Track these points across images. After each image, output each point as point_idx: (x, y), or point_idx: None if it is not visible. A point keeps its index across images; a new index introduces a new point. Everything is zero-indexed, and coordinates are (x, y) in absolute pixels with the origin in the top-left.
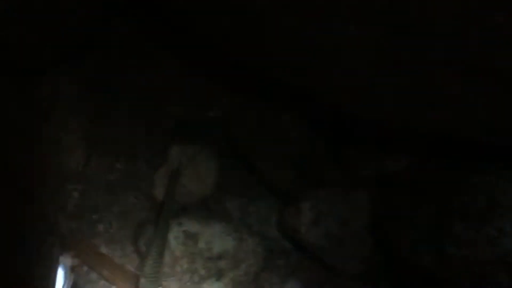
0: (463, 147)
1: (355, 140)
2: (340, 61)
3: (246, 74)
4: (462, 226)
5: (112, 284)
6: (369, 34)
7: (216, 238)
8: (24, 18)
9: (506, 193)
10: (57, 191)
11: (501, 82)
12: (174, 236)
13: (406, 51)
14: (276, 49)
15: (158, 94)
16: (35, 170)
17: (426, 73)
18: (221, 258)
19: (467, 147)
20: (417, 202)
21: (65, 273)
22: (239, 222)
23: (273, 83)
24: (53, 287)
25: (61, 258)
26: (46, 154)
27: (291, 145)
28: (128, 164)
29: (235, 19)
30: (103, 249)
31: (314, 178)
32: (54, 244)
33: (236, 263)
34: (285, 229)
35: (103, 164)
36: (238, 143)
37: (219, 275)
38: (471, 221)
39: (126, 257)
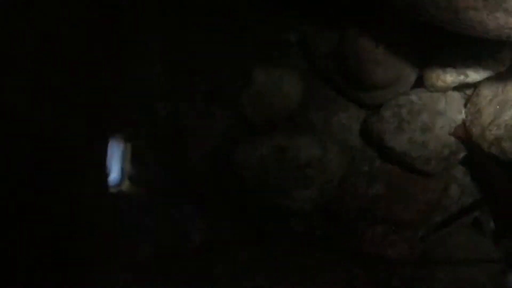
0: None
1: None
2: None
3: None
4: None
5: None
6: None
7: (302, 148)
8: None
9: None
10: None
11: None
12: (266, 149)
13: None
14: None
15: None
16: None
17: None
18: (307, 166)
19: None
20: None
21: None
22: (323, 133)
23: None
24: None
25: None
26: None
27: None
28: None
29: None
30: None
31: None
32: None
33: (322, 170)
34: (369, 137)
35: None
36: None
37: (306, 183)
38: None
39: None
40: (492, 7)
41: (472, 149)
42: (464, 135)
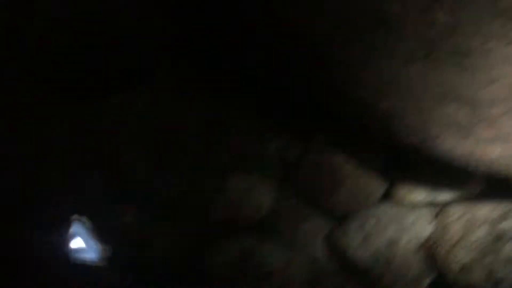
0: None
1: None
2: None
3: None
4: None
5: None
6: None
7: (268, 256)
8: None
9: None
10: None
11: None
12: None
13: None
14: None
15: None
16: None
17: None
18: (273, 275)
19: None
20: None
21: None
22: (290, 242)
23: None
24: None
25: None
26: None
27: None
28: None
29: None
30: None
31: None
32: None
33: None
34: (333, 249)
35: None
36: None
37: None
38: None
39: None
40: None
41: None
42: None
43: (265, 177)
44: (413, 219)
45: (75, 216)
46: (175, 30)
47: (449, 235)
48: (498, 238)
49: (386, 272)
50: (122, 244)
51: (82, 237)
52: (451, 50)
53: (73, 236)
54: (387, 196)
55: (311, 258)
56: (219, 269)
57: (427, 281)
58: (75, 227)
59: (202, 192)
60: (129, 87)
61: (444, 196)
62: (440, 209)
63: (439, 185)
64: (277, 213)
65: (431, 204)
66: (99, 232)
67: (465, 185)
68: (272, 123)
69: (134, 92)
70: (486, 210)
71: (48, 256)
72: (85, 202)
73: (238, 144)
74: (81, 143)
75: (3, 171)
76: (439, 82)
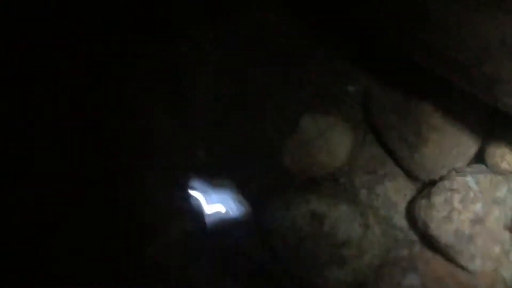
0: None
1: None
2: None
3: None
4: None
5: None
6: None
7: (342, 222)
8: None
9: None
10: None
11: None
12: (301, 215)
13: None
14: None
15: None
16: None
17: None
18: (345, 246)
19: None
20: None
21: None
22: (366, 205)
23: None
24: None
25: None
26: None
27: None
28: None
29: None
30: None
31: None
32: None
33: (360, 253)
34: (414, 221)
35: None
36: (375, 119)
37: (341, 263)
38: None
39: None
40: None
41: None
42: None
43: (343, 119)
44: (507, 190)
45: None
46: None
47: None
48: None
49: (468, 249)
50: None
51: None
52: None
53: None
54: (479, 159)
55: (389, 225)
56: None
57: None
58: None
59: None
60: None
61: None
62: None
63: None
64: (355, 164)
65: None
66: None
67: None
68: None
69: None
70: None
71: None
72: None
73: (316, 82)
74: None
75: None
76: None
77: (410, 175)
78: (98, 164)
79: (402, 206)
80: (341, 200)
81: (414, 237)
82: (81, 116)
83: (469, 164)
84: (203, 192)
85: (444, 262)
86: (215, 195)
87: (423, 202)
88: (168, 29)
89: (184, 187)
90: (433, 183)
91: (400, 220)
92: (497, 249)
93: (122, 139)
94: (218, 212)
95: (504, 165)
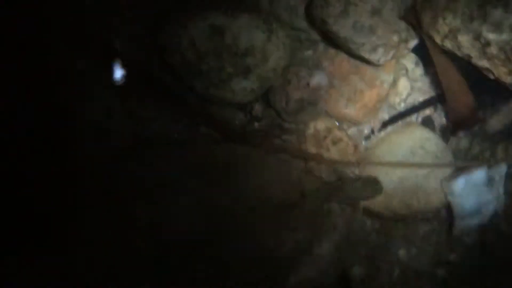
0: None
1: None
2: None
3: None
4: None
5: None
6: None
7: (244, 31)
8: None
9: None
10: None
11: None
12: (200, 32)
13: None
14: None
15: None
16: None
17: None
18: (249, 54)
19: None
20: None
21: None
22: (268, 12)
23: None
24: None
25: None
26: None
27: None
28: None
29: None
30: None
31: None
32: None
33: (265, 58)
34: (313, 20)
35: None
36: None
37: (246, 72)
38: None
39: None
40: None
41: (424, 37)
42: (415, 21)
43: None
44: None
45: None
46: None
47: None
48: None
49: (368, 41)
50: None
51: None
52: None
53: None
54: None
55: (292, 28)
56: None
57: (412, 43)
58: None
59: None
60: None
61: None
62: None
63: None
64: None
65: None
66: None
67: None
68: None
69: None
70: None
71: None
72: None
73: None
74: None
75: None
76: None
77: None
78: None
79: (302, 8)
80: (241, 10)
81: (316, 37)
82: None
83: None
84: None
85: (348, 58)
86: None
87: (319, 1)
88: None
89: None
90: None
91: (302, 23)
92: (395, 38)
93: None
94: None
95: None
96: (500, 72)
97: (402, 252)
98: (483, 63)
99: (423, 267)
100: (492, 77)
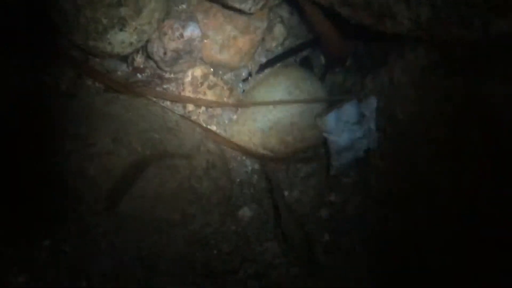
0: None
1: None
2: None
3: None
4: None
5: None
6: None
7: None
8: None
9: None
10: None
11: None
12: None
13: None
14: None
15: None
16: None
17: None
18: (122, 5)
19: None
20: None
21: None
22: None
23: None
24: None
25: None
26: None
27: None
28: None
29: None
30: None
31: None
32: None
33: (139, 10)
34: None
35: None
36: None
37: (122, 24)
38: None
39: None
40: None
41: None
42: None
43: None
44: None
45: None
46: None
47: None
48: None
49: None
50: None
51: None
52: None
53: None
54: None
55: None
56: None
57: None
58: None
59: None
60: None
61: None
62: None
63: None
64: None
65: None
66: None
67: None
68: None
69: None
70: None
71: None
72: None
73: None
74: None
75: None
76: None
77: None
78: None
79: None
80: None
81: None
82: None
83: None
84: None
85: (222, 9)
86: None
87: None
88: None
89: None
90: None
91: None
92: None
93: None
94: None
95: None
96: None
97: (285, 194)
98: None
99: (307, 209)
100: (353, 22)
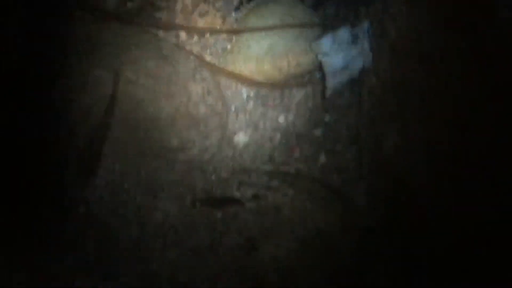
0: None
1: None
2: None
3: None
4: None
5: None
6: None
7: None
8: None
9: None
10: None
11: None
12: None
13: None
14: None
15: None
16: None
17: None
18: None
19: None
20: None
21: None
22: None
23: None
24: None
25: None
26: None
27: None
28: None
29: None
30: None
31: None
32: None
33: None
34: None
35: None
36: None
37: None
38: None
39: None
40: None
41: None
42: None
43: None
44: None
45: None
46: None
47: None
48: None
49: None
50: None
51: None
52: None
53: None
54: None
55: None
56: None
57: None
58: None
59: None
60: None
61: None
62: None
63: None
64: None
65: None
66: None
67: None
68: None
69: None
70: None
71: None
72: None
73: None
74: None
75: None
76: None
77: None
78: None
79: None
80: None
81: None
82: None
83: None
84: None
85: None
86: None
87: None
88: None
89: None
90: None
91: None
92: None
93: None
94: None
95: None
96: None
97: (281, 118)
98: None
99: (301, 130)
100: None
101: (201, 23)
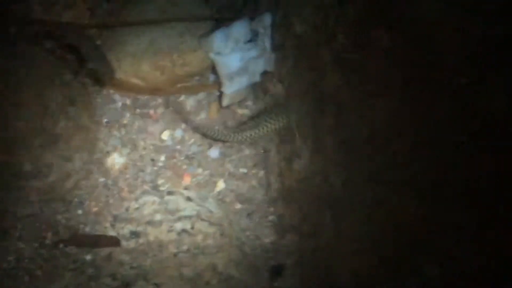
0: None
1: None
2: None
3: None
4: None
5: None
6: None
7: None
8: None
9: None
10: None
11: None
12: None
13: None
14: None
15: None
16: None
17: None
18: None
19: None
20: None
21: None
22: None
23: None
24: None
25: None
26: None
27: None
28: None
29: None
30: None
31: None
32: None
33: None
34: None
35: None
36: None
37: None
38: None
39: None
40: None
41: None
42: None
43: None
44: None
45: None
46: None
47: None
48: None
49: None
50: None
51: None
52: None
53: None
54: None
55: None
56: None
57: None
58: None
59: None
60: None
61: None
62: None
63: None
64: None
65: None
66: None
67: None
68: None
69: None
70: None
71: None
72: None
73: None
74: None
75: None
76: None
77: None
78: None
79: None
80: None
81: None
82: None
83: None
84: None
85: None
86: None
87: None
88: None
89: None
90: None
91: None
92: None
93: None
94: None
95: None
96: None
97: (165, 135)
98: None
99: (194, 149)
100: None
101: (64, 16)
